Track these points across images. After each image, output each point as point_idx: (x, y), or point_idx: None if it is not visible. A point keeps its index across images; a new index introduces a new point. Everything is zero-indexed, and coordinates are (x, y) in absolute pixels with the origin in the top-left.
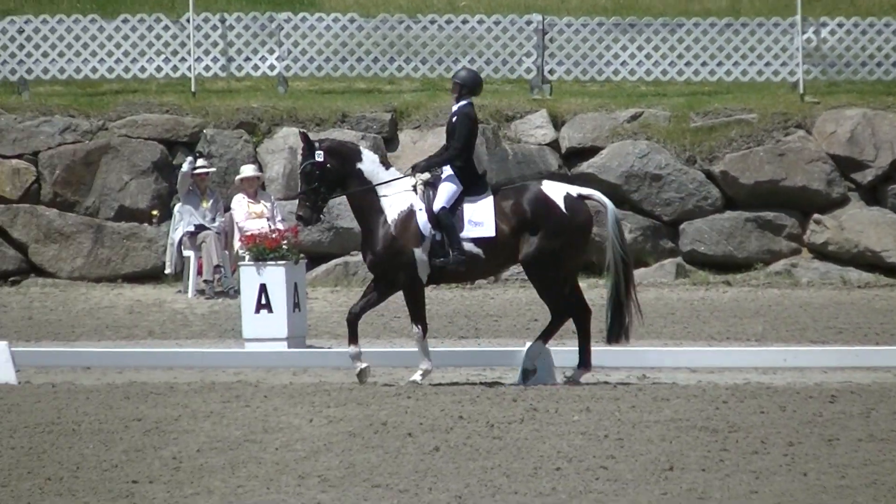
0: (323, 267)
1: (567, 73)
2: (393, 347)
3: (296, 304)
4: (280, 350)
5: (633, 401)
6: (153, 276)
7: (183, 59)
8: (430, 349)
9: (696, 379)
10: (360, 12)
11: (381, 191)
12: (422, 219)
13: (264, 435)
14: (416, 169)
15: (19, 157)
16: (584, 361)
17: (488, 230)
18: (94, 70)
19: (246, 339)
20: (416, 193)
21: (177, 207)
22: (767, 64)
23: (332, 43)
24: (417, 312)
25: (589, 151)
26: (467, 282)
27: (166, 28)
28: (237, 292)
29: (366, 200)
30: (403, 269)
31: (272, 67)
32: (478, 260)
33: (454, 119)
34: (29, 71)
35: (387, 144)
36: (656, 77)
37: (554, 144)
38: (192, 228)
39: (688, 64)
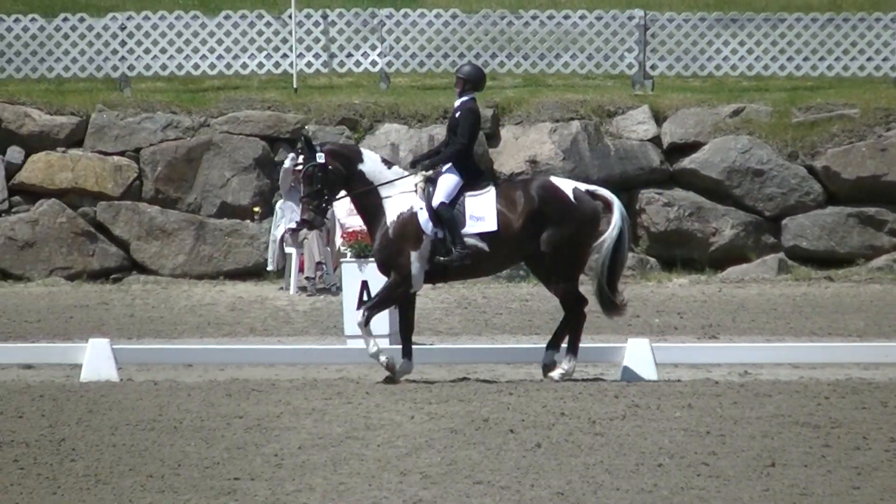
0: None
1: (669, 69)
2: (495, 344)
3: None
4: (382, 346)
5: (735, 397)
6: (255, 272)
7: (285, 56)
8: (534, 345)
9: (797, 375)
10: (462, 8)
11: (383, 191)
12: (423, 217)
13: (366, 432)
14: (418, 166)
15: (121, 153)
16: (572, 350)
17: (490, 224)
18: (196, 66)
19: (347, 336)
20: (417, 192)
21: (279, 204)
22: (869, 59)
23: (433, 39)
24: (377, 305)
25: (690, 147)
26: (473, 278)
27: (268, 24)
28: (339, 289)
29: (369, 201)
30: (397, 271)
31: (374, 63)
32: (482, 255)
33: (457, 114)
34: (131, 68)
35: (488, 140)
36: (758, 72)
37: (655, 140)
38: (293, 225)
39: (789, 59)
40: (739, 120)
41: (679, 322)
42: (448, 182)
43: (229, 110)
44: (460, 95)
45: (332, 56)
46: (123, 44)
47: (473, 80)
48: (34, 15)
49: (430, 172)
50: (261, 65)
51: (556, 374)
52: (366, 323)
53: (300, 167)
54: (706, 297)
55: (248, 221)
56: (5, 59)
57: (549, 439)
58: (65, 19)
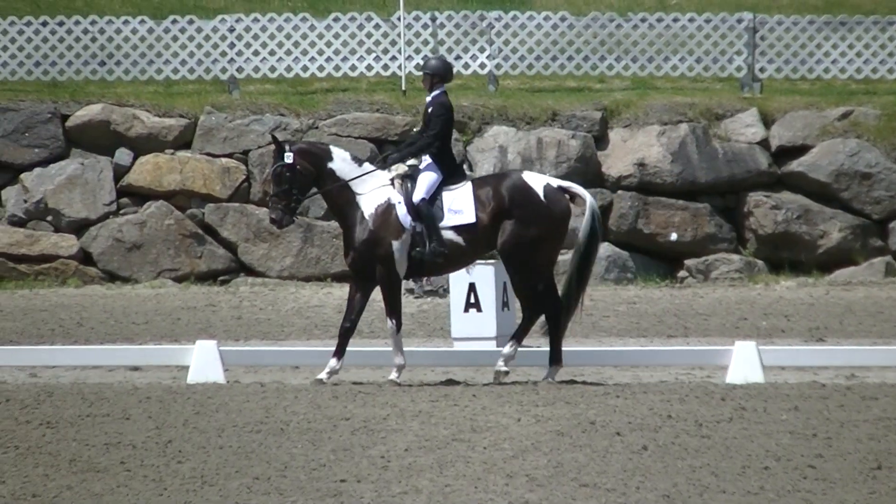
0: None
1: (777, 72)
2: (602, 346)
3: (504, 304)
4: (489, 349)
5: (842, 400)
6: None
7: (393, 58)
8: (642, 347)
9: None
10: (571, 10)
11: (356, 187)
12: (401, 211)
13: (472, 434)
14: (389, 160)
15: (229, 155)
16: (556, 358)
17: (468, 217)
18: (305, 69)
19: (454, 339)
20: (395, 187)
21: None
22: None
23: (542, 41)
24: (394, 307)
25: (798, 150)
26: (448, 272)
27: (377, 26)
28: (446, 291)
29: (342, 198)
30: (382, 262)
31: (483, 66)
32: (459, 248)
33: (430, 109)
34: (239, 70)
35: (597, 143)
36: (866, 75)
37: (764, 143)
38: None
39: None
40: (848, 123)
41: (786, 325)
42: (428, 178)
43: (338, 112)
44: (430, 90)
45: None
46: (232, 46)
47: (441, 74)
48: (143, 17)
49: (405, 168)
50: (369, 67)
51: (499, 363)
52: (397, 330)
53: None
54: (813, 300)
55: None
56: (114, 62)
57: (655, 442)
58: (174, 21)
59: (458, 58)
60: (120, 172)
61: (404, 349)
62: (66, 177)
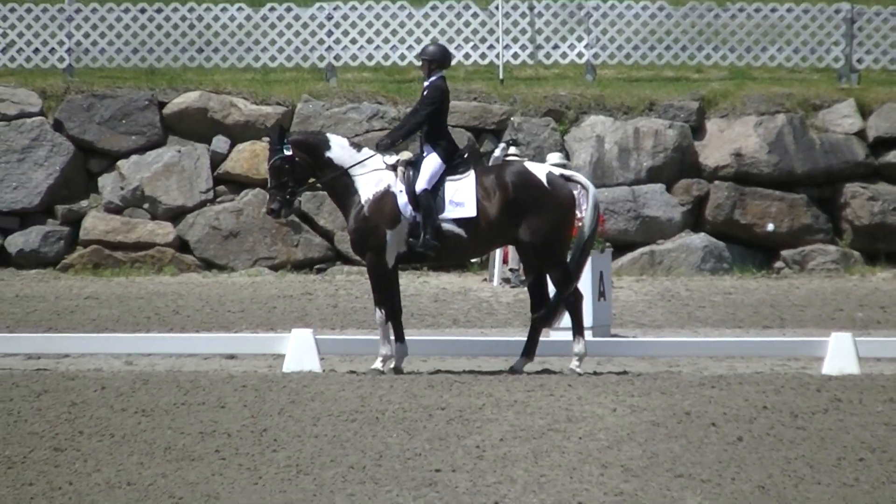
0: (629, 256)
1: (875, 62)
2: (698, 337)
3: (601, 293)
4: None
5: None
6: (459, 264)
7: (491, 47)
8: (737, 338)
9: None
10: (669, 0)
11: (354, 173)
12: (402, 200)
13: (567, 424)
14: (380, 145)
15: None
16: (530, 351)
17: (469, 210)
18: (402, 57)
19: (551, 328)
20: (397, 174)
21: None
22: None
23: (640, 31)
24: (380, 296)
25: None
26: (450, 262)
27: (475, 15)
28: None
29: (340, 185)
30: (373, 249)
31: (580, 55)
32: (460, 240)
33: (425, 93)
34: (337, 57)
35: (694, 133)
36: None
37: (861, 134)
38: None
39: None
40: None
41: (882, 316)
42: (430, 166)
43: None
44: (428, 76)
45: (539, 47)
46: (330, 34)
47: (439, 60)
48: (241, 4)
49: (409, 154)
50: (467, 55)
51: (573, 364)
52: (386, 320)
53: (510, 157)
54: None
55: None
56: (212, 49)
57: (750, 433)
58: (271, 9)
59: (556, 47)
60: (217, 160)
61: (501, 338)
62: (163, 164)
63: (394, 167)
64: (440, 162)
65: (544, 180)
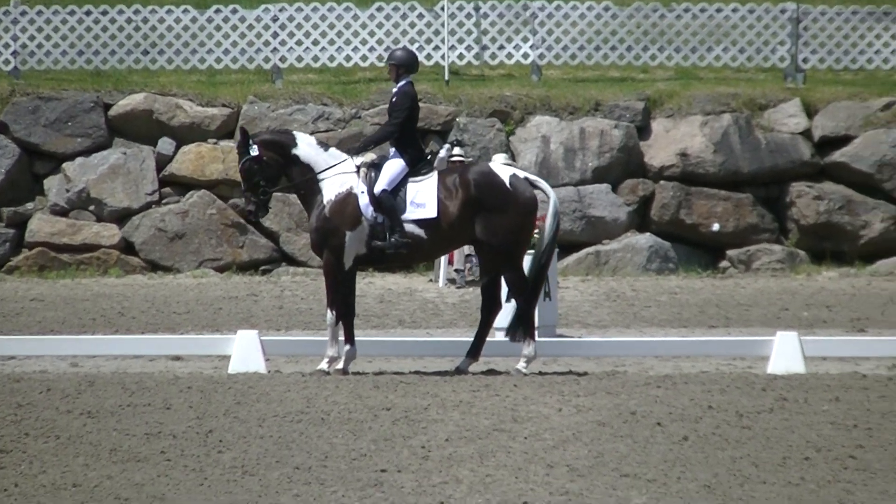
0: (574, 256)
1: (821, 62)
2: (643, 337)
3: (546, 294)
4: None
5: (883, 390)
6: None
7: (437, 48)
8: (683, 338)
9: None
10: (615, 0)
11: (322, 175)
12: (363, 201)
13: (513, 424)
14: (350, 152)
15: None
16: (476, 351)
17: (430, 211)
18: (348, 58)
19: (496, 329)
20: (359, 176)
21: None
22: None
23: (586, 31)
24: (334, 297)
25: (841, 140)
26: (409, 264)
27: (420, 16)
28: None
29: (305, 184)
30: (331, 250)
31: (526, 56)
32: (420, 242)
33: (394, 99)
34: (283, 59)
35: (639, 133)
36: None
37: (806, 133)
38: None
39: None
40: (890, 114)
41: (828, 315)
42: (392, 168)
43: (380, 102)
44: (396, 81)
45: (484, 48)
46: (275, 35)
47: (407, 65)
48: (186, 6)
49: (373, 156)
50: None
51: (520, 365)
52: (336, 321)
53: (455, 158)
54: (855, 291)
55: None
56: (157, 51)
57: (696, 432)
58: (217, 10)
59: (501, 47)
60: (162, 162)
61: (446, 339)
62: (109, 166)
63: (357, 169)
64: (403, 165)
65: (507, 182)
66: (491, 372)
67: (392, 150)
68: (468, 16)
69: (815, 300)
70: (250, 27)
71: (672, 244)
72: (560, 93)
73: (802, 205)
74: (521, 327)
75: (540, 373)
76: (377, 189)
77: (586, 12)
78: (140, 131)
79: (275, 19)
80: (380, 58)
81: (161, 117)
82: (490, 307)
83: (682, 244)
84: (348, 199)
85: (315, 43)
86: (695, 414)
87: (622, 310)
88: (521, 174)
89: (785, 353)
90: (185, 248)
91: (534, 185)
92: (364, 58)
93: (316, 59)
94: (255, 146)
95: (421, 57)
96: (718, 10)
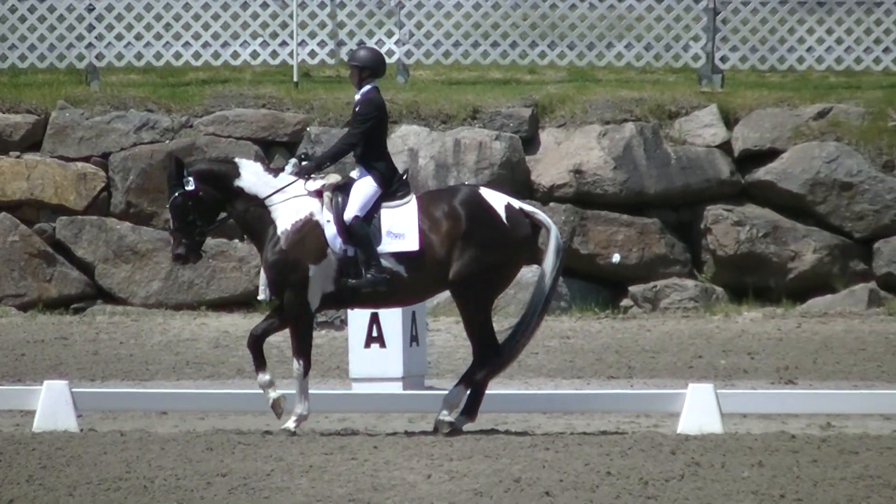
0: (446, 293)
1: (742, 61)
2: (529, 389)
3: (413, 338)
4: (394, 392)
5: (815, 454)
6: (244, 302)
7: (284, 44)
8: (577, 391)
9: (890, 428)
10: None
11: (270, 202)
12: (330, 231)
13: (373, 493)
14: (303, 168)
15: (86, 159)
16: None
17: (411, 243)
18: (178, 56)
19: (353, 379)
20: (324, 202)
21: None
22: None
23: (462, 24)
24: (301, 345)
25: (767, 155)
26: (387, 305)
27: (264, 6)
28: (344, 322)
29: (254, 217)
30: (292, 288)
31: (390, 53)
32: (399, 280)
33: (357, 108)
34: (99, 56)
35: (525, 146)
36: (848, 66)
37: (725, 146)
38: None
39: (886, 50)
40: (826, 123)
41: (749, 364)
42: (363, 191)
43: (216, 108)
44: (359, 86)
45: (341, 44)
46: (91, 28)
47: (371, 67)
48: None
49: (338, 178)
50: (255, 54)
51: (442, 415)
52: (304, 374)
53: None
54: (782, 335)
55: (238, 241)
56: None
57: None
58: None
59: (360, 44)
60: None
61: (294, 391)
62: None
63: (318, 193)
64: (375, 186)
65: (502, 213)
66: (347, 431)
67: (359, 168)
68: (321, 6)
69: (734, 345)
70: (61, 18)
71: (564, 278)
72: (431, 97)
73: (720, 232)
74: (467, 390)
75: (405, 432)
76: (348, 216)
77: (462, 2)
78: None
79: (90, 9)
80: (215, 55)
81: None
82: (487, 349)
83: (576, 279)
84: (308, 226)
85: (138, 38)
86: (591, 481)
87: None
88: (517, 204)
89: (698, 409)
90: None
91: (529, 217)
92: (197, 55)
93: (139, 56)
94: (190, 178)
95: (265, 55)
96: (620, 0)
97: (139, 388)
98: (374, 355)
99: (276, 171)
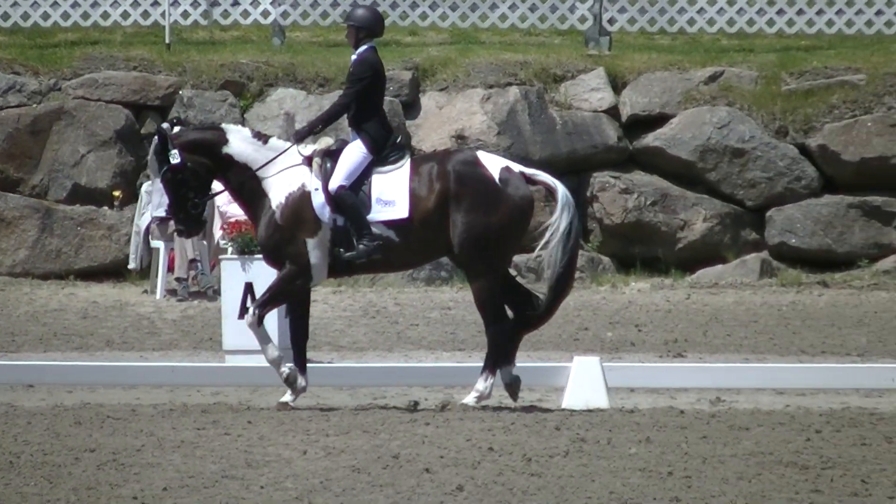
0: None
1: (630, 23)
2: (409, 362)
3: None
4: (268, 364)
5: (705, 430)
6: (114, 271)
7: (156, 3)
8: (458, 364)
9: (782, 403)
10: None
11: (261, 171)
12: (317, 200)
13: (247, 470)
14: (297, 134)
15: None
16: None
17: (401, 210)
18: (46, 16)
19: (227, 351)
20: (312, 168)
21: (144, 187)
22: (879, 12)
23: None
24: (273, 301)
25: (656, 120)
26: (384, 272)
27: None
28: (217, 292)
29: (245, 187)
30: (291, 259)
31: (265, 14)
32: (392, 246)
33: (352, 68)
34: None
35: (406, 110)
36: (741, 28)
37: (613, 111)
38: (162, 213)
39: (780, 12)
40: (717, 87)
41: (637, 336)
42: (351, 158)
43: (86, 70)
44: (356, 47)
45: (214, 4)
46: None
47: (368, 27)
48: None
49: (330, 141)
50: (126, 14)
51: (469, 398)
52: (258, 322)
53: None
54: (671, 306)
55: (107, 208)
56: None
57: (473, 480)
58: None
59: (235, 4)
60: None
61: (165, 364)
62: None
63: (309, 159)
64: (365, 152)
65: (497, 176)
66: (220, 405)
67: (352, 131)
68: None
69: (621, 317)
70: None
71: None
72: (308, 60)
73: (607, 199)
74: (486, 359)
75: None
76: (332, 185)
77: None
78: None
79: None
80: (84, 16)
81: None
82: (524, 304)
83: None
84: (302, 198)
85: None
86: (472, 458)
87: (383, 328)
88: (516, 167)
89: (583, 383)
90: None
91: (531, 181)
92: (66, 16)
93: (6, 16)
94: (176, 151)
95: (135, 15)
96: None
97: (4, 361)
98: (247, 327)
99: (266, 138)
